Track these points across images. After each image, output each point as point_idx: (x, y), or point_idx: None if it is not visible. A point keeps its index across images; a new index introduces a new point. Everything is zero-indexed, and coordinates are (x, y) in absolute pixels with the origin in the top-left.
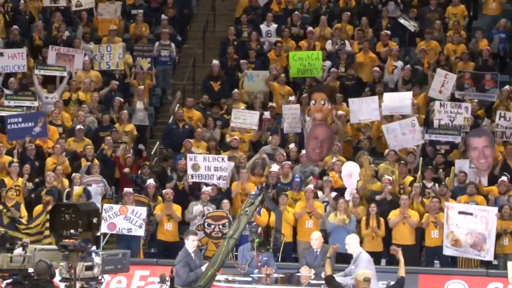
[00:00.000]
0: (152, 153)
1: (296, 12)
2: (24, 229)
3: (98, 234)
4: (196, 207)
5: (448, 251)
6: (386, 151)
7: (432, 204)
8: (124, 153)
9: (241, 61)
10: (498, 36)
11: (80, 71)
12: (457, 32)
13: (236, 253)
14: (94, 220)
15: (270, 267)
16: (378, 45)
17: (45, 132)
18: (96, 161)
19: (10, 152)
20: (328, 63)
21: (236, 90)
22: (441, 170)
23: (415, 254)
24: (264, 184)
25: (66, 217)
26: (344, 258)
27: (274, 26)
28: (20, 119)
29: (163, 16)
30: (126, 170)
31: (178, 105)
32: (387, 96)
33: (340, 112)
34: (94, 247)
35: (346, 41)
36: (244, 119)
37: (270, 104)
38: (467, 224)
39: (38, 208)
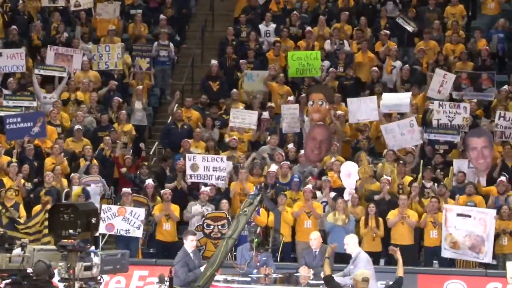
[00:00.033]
0: (151, 153)
1: (295, 12)
2: (23, 229)
3: (97, 234)
4: (194, 207)
5: (446, 253)
6: (385, 151)
7: (431, 204)
8: (123, 153)
9: (241, 61)
10: (497, 36)
11: (79, 71)
12: (455, 32)
13: (235, 253)
14: (93, 220)
15: (269, 267)
16: (377, 45)
17: (44, 132)
18: (95, 161)
19: (9, 152)
20: (326, 63)
21: (234, 90)
22: (438, 170)
23: (414, 254)
24: (263, 184)
25: (65, 217)
26: (343, 258)
27: (273, 26)
28: (19, 119)
29: (161, 16)
30: (123, 169)
31: (176, 105)
32: (386, 96)
33: (338, 112)
34: (93, 247)
35: (345, 41)
36: (243, 118)
37: (269, 104)
38: (466, 226)
39: (37, 208)
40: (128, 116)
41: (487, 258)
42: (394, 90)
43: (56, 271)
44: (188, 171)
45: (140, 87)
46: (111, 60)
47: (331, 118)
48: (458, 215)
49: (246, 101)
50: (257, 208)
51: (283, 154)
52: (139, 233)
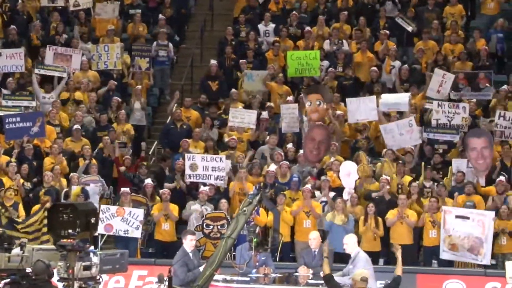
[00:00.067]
0: (150, 153)
1: (294, 12)
2: (23, 228)
3: (96, 234)
4: (193, 207)
5: (445, 255)
6: (384, 150)
7: (430, 204)
8: (122, 153)
9: (241, 60)
10: (496, 36)
11: (78, 71)
12: (455, 32)
13: (234, 253)
14: (92, 220)
15: (268, 267)
16: (377, 45)
17: (43, 132)
18: (94, 161)
19: (8, 152)
20: (326, 63)
21: (234, 90)
22: (435, 171)
23: (413, 254)
24: (262, 183)
25: (64, 217)
26: (342, 258)
27: (272, 26)
28: (18, 119)
29: (160, 16)
30: (122, 168)
31: (176, 105)
32: (385, 95)
33: (338, 112)
34: (92, 247)
35: (344, 41)
36: (242, 118)
37: (268, 104)
38: (464, 228)
39: (36, 208)
40: (127, 116)
41: (486, 260)
42: (393, 90)
43: (55, 271)
44: (187, 171)
45: (139, 87)
46: (110, 60)
47: (330, 118)
48: (457, 217)
49: (246, 101)
50: (256, 208)
51: (282, 153)
52: (137, 234)
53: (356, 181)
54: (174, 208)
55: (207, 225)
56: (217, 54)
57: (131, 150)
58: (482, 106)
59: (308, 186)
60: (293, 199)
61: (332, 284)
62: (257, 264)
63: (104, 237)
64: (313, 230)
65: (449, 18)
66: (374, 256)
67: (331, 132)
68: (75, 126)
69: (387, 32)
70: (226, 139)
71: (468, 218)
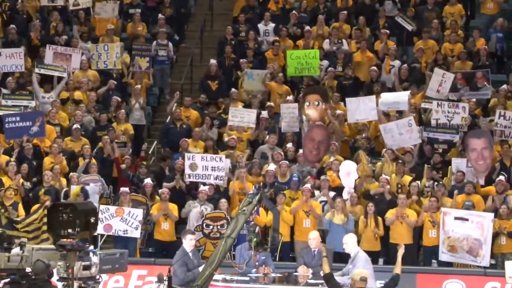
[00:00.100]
0: (150, 152)
1: (294, 11)
2: (22, 227)
3: (96, 233)
4: (193, 207)
5: (444, 256)
6: (384, 150)
7: (430, 203)
8: (122, 153)
9: (241, 60)
10: (496, 36)
11: (78, 70)
12: (454, 32)
13: (233, 253)
14: (92, 220)
15: (268, 267)
16: (376, 44)
17: (42, 132)
18: (93, 160)
19: (8, 151)
20: (325, 62)
21: (234, 89)
22: (434, 171)
23: (413, 254)
24: (262, 183)
25: (63, 216)
26: (342, 258)
27: (271, 25)
28: (18, 118)
29: (160, 15)
30: (123, 166)
31: (175, 104)
32: (384, 95)
33: (338, 112)
34: (91, 247)
35: (344, 41)
36: (242, 117)
37: (268, 103)
38: (463, 230)
39: (35, 207)
40: (127, 116)
41: (485, 262)
42: (393, 89)
43: (55, 271)
44: (187, 171)
45: (138, 86)
46: (110, 60)
47: (329, 117)
48: (456, 218)
49: (246, 101)
50: (256, 208)
51: (282, 153)
52: (137, 234)
53: (355, 180)
54: (173, 208)
55: (207, 225)
56: (216, 54)
57: (130, 150)
58: (481, 106)
59: (308, 185)
60: (293, 199)
61: (332, 283)
62: (256, 263)
63: (104, 237)
64: (313, 230)
65: (449, 18)
66: (373, 256)
67: (331, 132)
68: (75, 126)
69: (387, 31)
70: (225, 138)
71: (467, 219)
